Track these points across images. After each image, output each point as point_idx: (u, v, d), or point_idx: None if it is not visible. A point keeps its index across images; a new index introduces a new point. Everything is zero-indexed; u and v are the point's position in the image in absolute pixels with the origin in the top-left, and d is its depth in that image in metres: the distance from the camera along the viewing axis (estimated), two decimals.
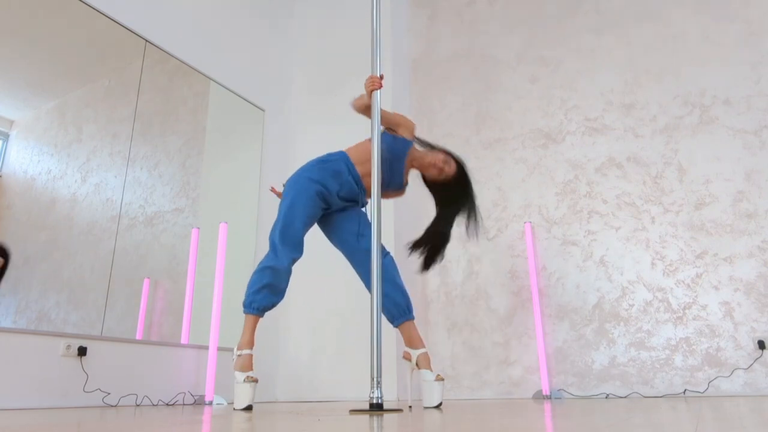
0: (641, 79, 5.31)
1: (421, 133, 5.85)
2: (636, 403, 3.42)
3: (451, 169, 3.62)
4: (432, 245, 3.66)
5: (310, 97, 6.21)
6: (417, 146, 3.63)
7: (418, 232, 3.60)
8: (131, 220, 4.37)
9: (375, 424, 1.86)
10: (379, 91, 3.43)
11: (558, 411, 2.58)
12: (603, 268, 5.02)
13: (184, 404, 4.24)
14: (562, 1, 5.84)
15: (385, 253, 3.42)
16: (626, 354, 4.74)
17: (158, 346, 4.30)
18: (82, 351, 3.72)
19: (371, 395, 2.79)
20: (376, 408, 2.73)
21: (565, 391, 4.83)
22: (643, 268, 4.89)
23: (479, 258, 5.50)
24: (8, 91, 3.71)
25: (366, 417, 2.32)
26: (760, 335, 4.41)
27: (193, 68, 5.08)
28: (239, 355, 3.18)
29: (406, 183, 3.70)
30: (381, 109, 3.40)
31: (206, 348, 4.57)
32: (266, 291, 3.25)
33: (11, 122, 3.73)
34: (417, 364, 3.34)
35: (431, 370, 3.28)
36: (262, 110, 5.72)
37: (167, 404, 4.14)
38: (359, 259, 3.44)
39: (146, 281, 4.38)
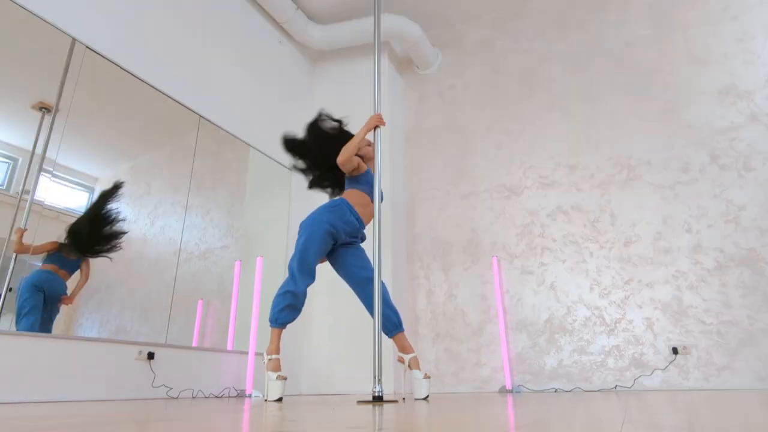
0: (582, 146, 5.38)
1: (412, 186, 5.97)
2: (578, 395, 3.45)
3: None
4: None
5: None
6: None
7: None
8: (188, 254, 4.37)
9: (376, 412, 1.88)
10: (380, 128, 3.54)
11: (518, 402, 2.61)
12: (553, 291, 5.03)
13: (229, 396, 4.22)
14: (521, 87, 5.88)
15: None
16: (570, 358, 4.76)
17: (209, 351, 4.31)
18: (150, 355, 3.74)
19: (374, 389, 2.83)
20: (378, 399, 2.76)
21: (523, 386, 4.83)
22: (584, 291, 4.91)
23: (457, 284, 5.48)
24: (94, 155, 3.69)
25: (370, 406, 2.35)
26: (674, 343, 4.44)
27: (236, 137, 5.08)
28: (269, 359, 3.19)
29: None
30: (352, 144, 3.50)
31: (246, 353, 4.59)
32: (288, 310, 3.25)
33: (96, 179, 3.67)
34: (409, 366, 3.33)
35: (420, 370, 3.28)
36: (289, 170, 5.73)
37: (216, 397, 4.13)
38: (359, 286, 3.43)
39: (200, 302, 4.38)
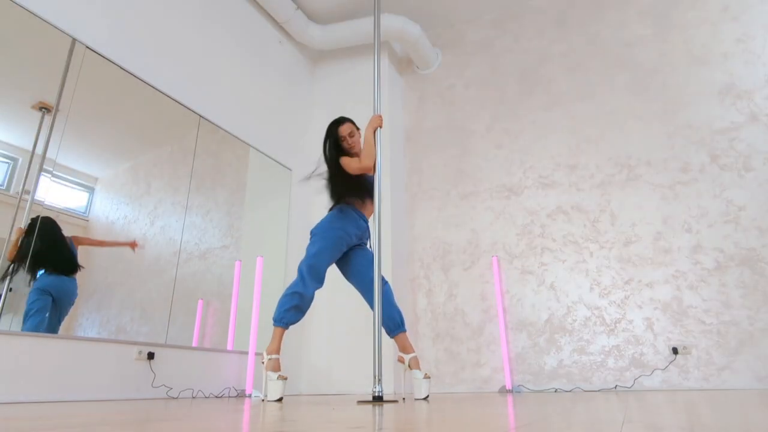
0: (582, 146, 5.38)
1: (412, 186, 5.97)
2: (578, 395, 3.46)
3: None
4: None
5: None
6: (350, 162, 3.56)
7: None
8: (188, 254, 4.37)
9: (376, 412, 1.89)
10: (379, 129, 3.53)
11: (518, 402, 2.60)
12: (552, 291, 5.03)
13: (229, 396, 4.23)
14: (521, 86, 5.89)
15: (384, 282, 3.40)
16: (570, 358, 4.76)
17: (209, 351, 4.31)
18: (150, 355, 3.73)
19: (374, 389, 2.83)
20: (378, 399, 2.77)
21: (523, 386, 4.83)
22: (584, 291, 4.91)
23: (457, 284, 5.48)
24: (94, 155, 3.69)
25: (370, 406, 2.35)
26: (674, 343, 4.44)
27: (236, 137, 5.08)
28: (269, 359, 3.19)
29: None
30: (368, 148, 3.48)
31: (246, 353, 4.60)
32: (294, 311, 3.28)
33: (96, 179, 3.69)
34: (409, 365, 3.33)
35: (420, 370, 3.28)
36: (289, 169, 5.70)
37: (216, 396, 4.13)
38: (367, 287, 3.43)
39: (200, 302, 4.38)
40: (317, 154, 3.87)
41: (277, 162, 5.59)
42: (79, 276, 3.50)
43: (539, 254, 5.22)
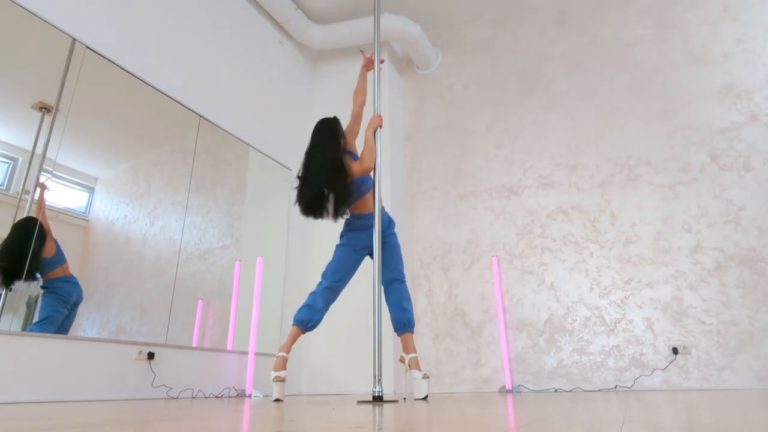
0: (582, 146, 5.38)
1: (412, 186, 5.97)
2: (578, 395, 3.46)
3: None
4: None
5: None
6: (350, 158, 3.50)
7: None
8: (188, 254, 4.36)
9: (376, 412, 1.89)
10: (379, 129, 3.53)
11: (518, 401, 2.60)
12: (552, 291, 5.03)
13: (229, 396, 4.22)
14: (521, 86, 5.89)
15: (404, 280, 3.47)
16: (570, 358, 4.76)
17: (209, 351, 4.30)
18: (150, 355, 3.73)
19: (374, 389, 2.84)
20: (378, 399, 2.77)
21: (523, 386, 4.83)
22: (584, 291, 4.91)
23: (457, 283, 5.48)
24: (94, 155, 3.69)
25: (370, 406, 2.34)
26: (674, 343, 4.44)
27: (236, 137, 5.08)
28: (276, 356, 3.23)
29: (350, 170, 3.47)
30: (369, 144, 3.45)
31: (246, 353, 4.60)
32: (305, 309, 3.31)
33: (96, 179, 3.68)
34: (409, 365, 3.31)
35: (420, 370, 3.25)
36: (289, 169, 5.69)
37: (216, 396, 4.13)
38: (384, 287, 3.47)
39: (200, 302, 4.37)
40: None
41: (277, 162, 5.59)
42: (79, 276, 3.50)
43: (539, 254, 5.22)
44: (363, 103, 3.70)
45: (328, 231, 5.67)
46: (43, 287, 3.24)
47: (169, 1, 4.59)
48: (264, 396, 4.36)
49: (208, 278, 4.53)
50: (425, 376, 3.24)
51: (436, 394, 4.59)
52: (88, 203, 3.67)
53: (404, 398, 3.47)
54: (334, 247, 3.56)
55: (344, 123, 3.68)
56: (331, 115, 3.71)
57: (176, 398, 3.74)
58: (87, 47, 3.74)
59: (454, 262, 5.58)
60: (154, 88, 4.27)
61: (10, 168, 3.19)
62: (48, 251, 3.32)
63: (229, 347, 4.54)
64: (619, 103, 5.35)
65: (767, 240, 4.43)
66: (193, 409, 2.19)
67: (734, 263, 4.48)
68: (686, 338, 4.44)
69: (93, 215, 3.69)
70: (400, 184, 5.98)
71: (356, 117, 3.70)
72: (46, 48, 3.50)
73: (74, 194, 3.56)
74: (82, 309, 3.45)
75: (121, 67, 3.99)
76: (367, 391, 4.81)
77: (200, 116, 4.73)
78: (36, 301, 3.21)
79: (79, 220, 3.59)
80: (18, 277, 3.12)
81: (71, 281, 3.41)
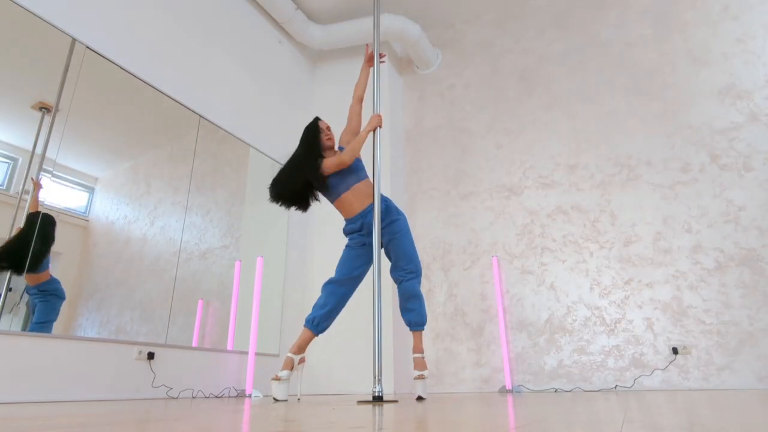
0: (582, 146, 5.38)
1: (412, 186, 5.97)
2: (578, 395, 3.46)
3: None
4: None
5: None
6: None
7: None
8: (188, 254, 4.36)
9: (376, 412, 1.89)
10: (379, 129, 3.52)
11: (518, 402, 2.60)
12: (553, 291, 5.03)
13: (229, 396, 4.22)
14: (521, 86, 5.89)
15: (409, 278, 3.37)
16: (570, 358, 4.76)
17: (209, 351, 4.29)
18: (150, 355, 3.73)
19: (374, 389, 2.83)
20: (378, 399, 2.76)
21: (523, 386, 4.83)
22: (584, 291, 4.91)
23: (457, 283, 5.48)
24: (94, 155, 3.69)
25: (370, 406, 2.35)
26: (674, 343, 4.44)
27: (236, 137, 5.08)
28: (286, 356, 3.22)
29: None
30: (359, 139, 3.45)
31: (246, 353, 4.60)
32: (316, 308, 3.36)
33: (96, 179, 3.68)
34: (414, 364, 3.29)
35: (419, 371, 3.22)
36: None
37: (216, 396, 4.12)
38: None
39: (200, 302, 4.36)
40: None
41: (277, 162, 5.58)
42: (79, 276, 3.50)
43: (539, 254, 5.22)
44: (359, 98, 3.71)
45: (329, 231, 5.66)
46: (42, 290, 3.24)
47: (169, 1, 4.59)
48: (264, 396, 4.37)
49: (208, 278, 4.52)
50: (419, 377, 3.22)
51: (436, 394, 4.60)
52: (88, 203, 3.67)
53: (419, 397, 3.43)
54: (334, 248, 3.56)
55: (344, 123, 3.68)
56: (335, 117, 3.75)
57: (176, 398, 3.73)
58: (87, 47, 3.74)
59: (454, 262, 5.58)
60: (154, 88, 4.27)
61: (10, 168, 3.19)
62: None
63: (229, 347, 4.54)
64: (619, 103, 5.35)
65: (767, 240, 4.43)
66: (193, 409, 2.19)
67: (734, 263, 4.48)
68: (686, 338, 4.44)
69: (93, 215, 3.69)
70: (400, 184, 5.98)
71: (354, 113, 3.69)
72: (46, 48, 3.50)
73: (74, 194, 3.56)
74: (82, 309, 3.45)
75: (121, 67, 3.99)
76: (367, 391, 4.81)
77: (200, 116, 4.73)
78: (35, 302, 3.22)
79: (79, 220, 3.59)
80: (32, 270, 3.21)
81: (58, 281, 3.41)
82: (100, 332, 3.54)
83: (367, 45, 3.92)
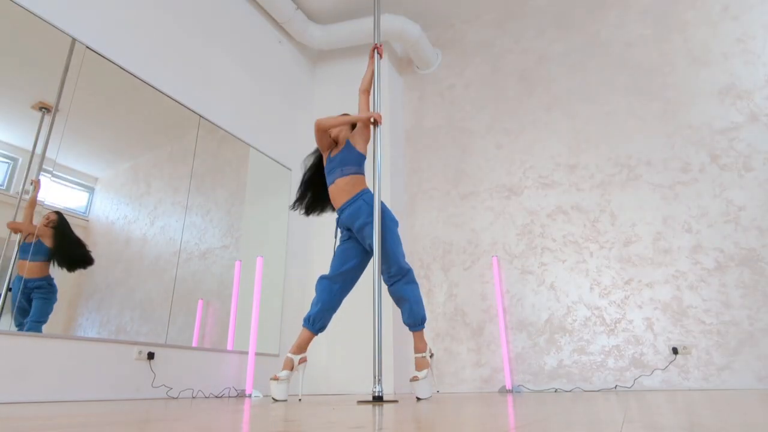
0: (582, 146, 5.38)
1: (412, 186, 5.97)
2: (578, 395, 3.46)
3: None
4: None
5: None
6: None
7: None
8: (188, 254, 4.36)
9: (376, 412, 1.88)
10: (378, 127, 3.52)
11: (518, 401, 2.60)
12: (553, 291, 5.03)
13: (229, 396, 4.22)
14: (521, 86, 5.89)
15: (392, 282, 3.29)
16: (570, 358, 4.76)
17: (209, 351, 4.30)
18: (150, 355, 3.73)
19: (374, 389, 2.82)
20: (378, 399, 2.76)
21: (523, 386, 4.83)
22: (584, 291, 4.91)
23: (457, 283, 5.48)
24: (94, 155, 3.69)
25: (370, 406, 2.34)
26: (674, 343, 4.44)
27: (236, 137, 5.08)
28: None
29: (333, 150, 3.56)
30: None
31: (246, 353, 4.60)
32: (313, 307, 3.33)
33: (96, 179, 3.68)
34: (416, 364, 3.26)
35: (417, 371, 3.19)
36: (289, 169, 5.69)
37: (216, 396, 4.12)
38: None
39: (200, 301, 4.36)
40: None
41: (277, 162, 5.59)
42: (79, 275, 3.50)
43: (539, 254, 5.21)
44: (363, 90, 3.69)
45: (329, 231, 5.66)
46: (40, 286, 3.24)
47: (169, 1, 4.59)
48: (264, 396, 4.36)
49: (208, 278, 4.52)
50: (413, 378, 3.19)
51: (436, 394, 4.59)
52: (88, 203, 3.67)
53: (437, 392, 3.38)
54: (333, 247, 3.55)
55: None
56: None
57: (176, 398, 3.73)
58: (87, 47, 3.74)
59: (454, 262, 5.58)
60: (154, 88, 4.27)
61: (10, 168, 3.19)
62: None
63: (229, 347, 4.54)
64: (619, 103, 5.35)
65: (767, 240, 4.43)
66: (193, 409, 2.19)
67: (734, 263, 4.48)
68: (686, 338, 4.44)
69: (93, 215, 3.69)
70: (400, 184, 5.98)
71: (362, 104, 3.68)
72: (46, 48, 3.50)
73: (74, 194, 3.55)
74: (82, 309, 3.45)
75: (121, 67, 3.99)
76: (367, 391, 4.80)
77: (200, 116, 4.73)
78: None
79: (79, 220, 3.58)
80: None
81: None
82: (100, 332, 3.53)
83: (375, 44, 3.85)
